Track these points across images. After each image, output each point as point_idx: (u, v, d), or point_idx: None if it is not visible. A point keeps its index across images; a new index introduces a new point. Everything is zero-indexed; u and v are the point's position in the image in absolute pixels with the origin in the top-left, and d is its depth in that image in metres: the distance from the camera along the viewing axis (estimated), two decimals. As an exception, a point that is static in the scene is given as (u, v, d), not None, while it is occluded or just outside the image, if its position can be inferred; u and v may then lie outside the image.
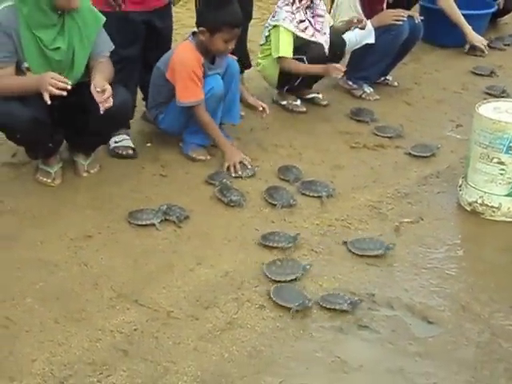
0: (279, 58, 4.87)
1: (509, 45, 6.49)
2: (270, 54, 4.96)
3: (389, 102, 5.35)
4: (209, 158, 4.40)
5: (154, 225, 3.68)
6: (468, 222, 3.88)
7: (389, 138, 4.75)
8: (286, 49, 4.85)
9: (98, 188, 4.02)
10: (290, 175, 4.21)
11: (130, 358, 2.85)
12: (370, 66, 5.34)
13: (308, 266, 3.38)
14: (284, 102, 5.11)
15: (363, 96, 5.34)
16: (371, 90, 5.40)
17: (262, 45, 5.07)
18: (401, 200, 4.04)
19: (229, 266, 3.41)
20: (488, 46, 6.30)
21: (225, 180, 4.07)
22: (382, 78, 5.60)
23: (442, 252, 3.59)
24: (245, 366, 2.84)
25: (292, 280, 3.30)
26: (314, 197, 4.02)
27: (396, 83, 5.61)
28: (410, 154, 4.55)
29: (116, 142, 4.37)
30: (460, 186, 4.02)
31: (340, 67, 4.80)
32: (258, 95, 5.07)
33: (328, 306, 3.13)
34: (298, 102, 5.10)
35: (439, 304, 3.22)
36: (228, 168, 4.20)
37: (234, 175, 4.16)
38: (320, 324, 3.07)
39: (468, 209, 3.93)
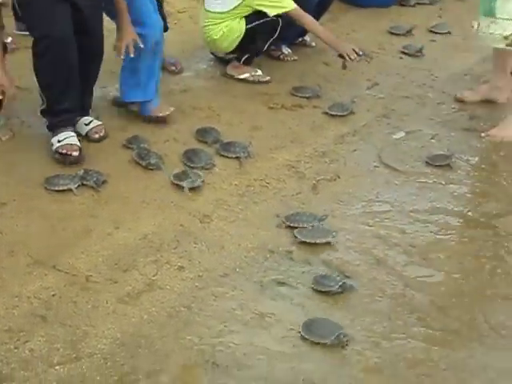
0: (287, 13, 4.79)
1: (423, 4, 6.56)
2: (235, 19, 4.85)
3: (307, 62, 5.36)
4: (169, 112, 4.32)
5: (71, 190, 3.64)
6: (383, 179, 3.96)
7: (306, 98, 4.78)
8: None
9: (12, 155, 3.93)
10: (209, 137, 4.20)
11: (49, 324, 2.84)
12: (288, 26, 5.33)
13: (334, 233, 3.40)
14: (246, 75, 4.97)
15: (281, 57, 5.33)
16: (289, 50, 5.39)
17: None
18: (318, 159, 4.10)
19: (147, 229, 3.42)
20: (401, 4, 6.42)
21: (142, 144, 4.04)
22: (300, 39, 5.60)
23: (358, 208, 3.67)
24: (164, 326, 2.86)
25: (324, 243, 3.34)
26: (232, 158, 4.03)
27: (314, 43, 5.60)
28: (327, 113, 4.59)
29: (59, 141, 3.88)
30: (481, 29, 3.95)
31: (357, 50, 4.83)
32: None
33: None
34: (259, 72, 5.02)
35: (355, 258, 3.30)
36: None
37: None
38: (239, 282, 3.12)
39: (503, 44, 3.90)
